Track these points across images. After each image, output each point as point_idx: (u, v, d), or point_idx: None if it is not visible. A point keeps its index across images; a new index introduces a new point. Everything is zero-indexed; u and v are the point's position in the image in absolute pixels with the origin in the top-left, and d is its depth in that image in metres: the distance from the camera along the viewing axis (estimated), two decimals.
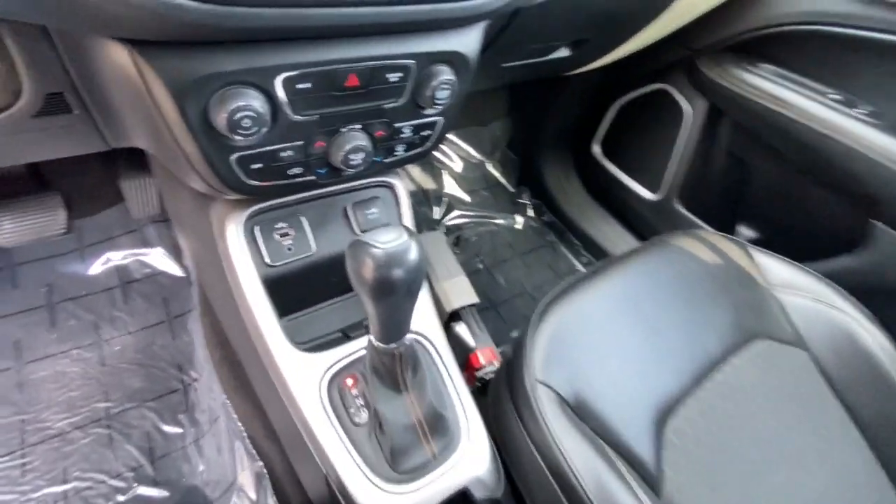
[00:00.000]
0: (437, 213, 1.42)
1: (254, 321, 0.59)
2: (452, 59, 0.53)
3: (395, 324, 0.47)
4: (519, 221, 1.48)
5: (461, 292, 1.02)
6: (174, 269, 1.10)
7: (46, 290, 1.01)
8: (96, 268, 1.06)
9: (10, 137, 0.48)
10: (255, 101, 0.43)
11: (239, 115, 0.42)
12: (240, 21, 0.37)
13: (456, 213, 1.43)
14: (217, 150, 0.47)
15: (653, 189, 1.22)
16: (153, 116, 0.45)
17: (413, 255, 0.42)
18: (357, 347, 0.61)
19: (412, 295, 0.45)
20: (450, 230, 1.39)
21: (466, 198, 1.49)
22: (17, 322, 0.97)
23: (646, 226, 1.27)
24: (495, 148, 1.57)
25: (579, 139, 1.39)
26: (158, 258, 1.10)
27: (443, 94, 0.54)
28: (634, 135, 1.24)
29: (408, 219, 0.72)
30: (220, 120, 0.43)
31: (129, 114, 0.50)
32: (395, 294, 0.43)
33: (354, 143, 0.53)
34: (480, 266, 1.32)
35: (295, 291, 0.64)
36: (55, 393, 0.90)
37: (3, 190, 0.89)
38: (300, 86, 0.45)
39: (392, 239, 0.42)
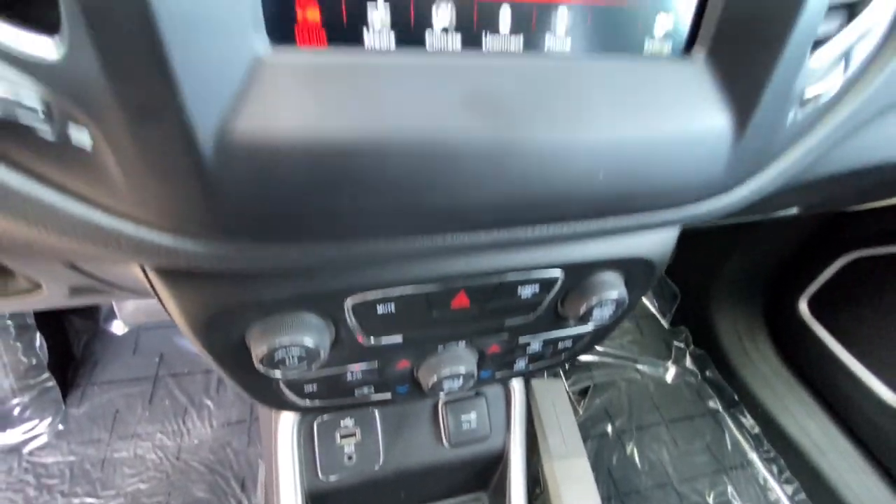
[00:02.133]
0: None
1: None
2: (629, 266, 0.33)
3: None
4: (671, 372, 1.14)
5: (577, 486, 0.74)
6: None
7: (158, 359, 1.03)
8: None
9: (66, 301, 0.41)
10: (306, 336, 0.28)
11: (280, 354, 0.28)
12: (274, 261, 0.22)
13: None
14: (256, 379, 0.33)
15: None
16: None
17: None
18: None
19: None
20: (575, 370, 1.12)
21: None
22: (124, 391, 0.99)
23: (882, 441, 0.85)
24: None
25: (777, 288, 1.03)
26: None
27: (603, 313, 0.34)
28: (872, 308, 0.85)
29: (519, 428, 0.51)
30: (258, 353, 0.28)
31: None
32: None
33: (454, 366, 0.35)
34: (609, 431, 1.02)
35: None
36: (128, 480, 0.87)
37: None
38: (381, 310, 0.30)
39: None
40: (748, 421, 1.06)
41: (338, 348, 0.32)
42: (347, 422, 0.47)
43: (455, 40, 0.20)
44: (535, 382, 0.91)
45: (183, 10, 0.15)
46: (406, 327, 0.32)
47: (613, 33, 0.22)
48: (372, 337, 0.32)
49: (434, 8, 0.19)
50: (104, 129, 0.17)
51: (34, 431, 0.90)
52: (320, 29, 0.18)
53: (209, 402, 0.98)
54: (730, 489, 0.96)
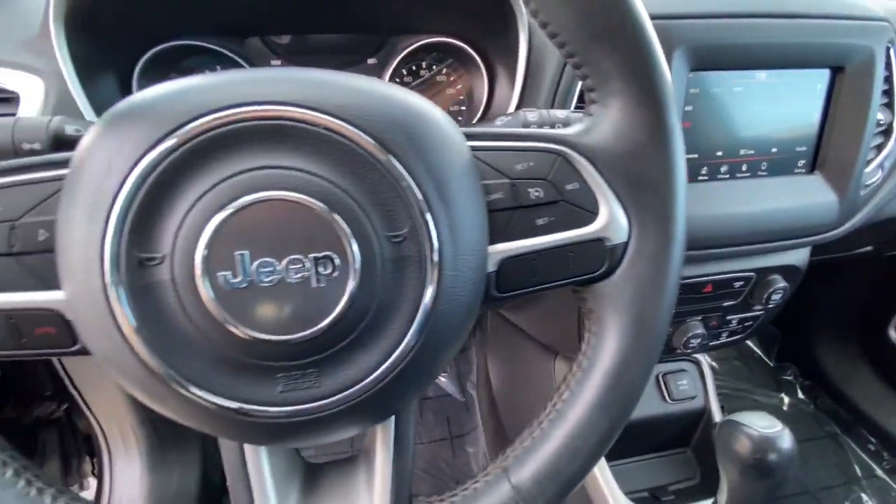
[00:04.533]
0: None
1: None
2: (787, 271, 0.65)
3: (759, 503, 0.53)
4: (786, 402, 1.34)
5: None
6: (456, 394, 1.34)
7: None
8: None
9: None
10: None
11: None
12: None
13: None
14: None
15: None
16: None
17: (788, 443, 0.50)
18: None
19: (778, 484, 0.51)
20: None
21: (713, 364, 1.44)
22: None
23: None
24: None
25: (868, 319, 1.26)
26: (444, 382, 1.37)
27: (776, 297, 0.65)
28: None
29: (713, 393, 0.79)
30: None
31: None
32: (766, 478, 0.50)
33: (695, 331, 0.66)
34: None
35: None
36: None
37: None
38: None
39: (767, 426, 0.51)
40: (868, 440, 1.22)
41: None
42: None
43: None
44: None
45: None
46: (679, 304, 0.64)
47: (782, 169, 0.57)
48: None
49: None
50: None
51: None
52: None
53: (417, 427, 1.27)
54: (864, 496, 1.11)
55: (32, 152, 0.33)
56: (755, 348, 1.49)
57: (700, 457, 0.79)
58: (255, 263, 0.23)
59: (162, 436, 0.84)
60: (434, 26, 0.60)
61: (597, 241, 0.29)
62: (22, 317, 0.24)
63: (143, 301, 0.23)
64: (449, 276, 0.25)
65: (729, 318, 0.68)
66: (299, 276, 0.23)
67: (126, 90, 0.53)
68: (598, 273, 0.30)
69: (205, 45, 0.56)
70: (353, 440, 0.97)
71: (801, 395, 1.35)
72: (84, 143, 0.24)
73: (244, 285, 0.23)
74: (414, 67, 0.67)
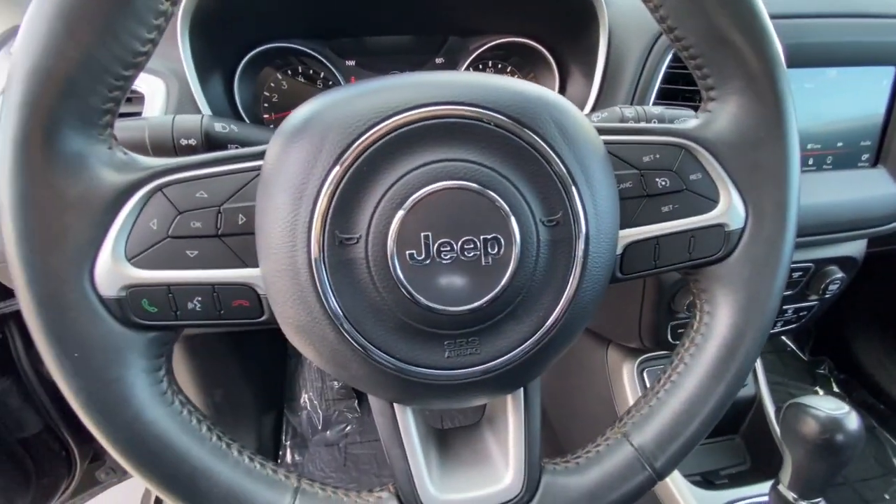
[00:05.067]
0: None
1: None
2: (845, 262, 0.67)
3: (822, 482, 0.56)
4: (821, 394, 1.35)
5: None
6: None
7: None
8: None
9: None
10: None
11: None
12: None
13: None
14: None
15: None
16: None
17: (855, 424, 0.52)
18: (747, 494, 0.69)
19: (842, 463, 0.53)
20: None
21: None
22: None
23: None
24: None
25: None
26: None
27: (833, 288, 0.67)
28: None
29: (764, 381, 0.81)
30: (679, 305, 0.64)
31: None
32: (832, 457, 0.52)
33: None
34: None
35: None
36: None
37: None
38: None
39: (835, 407, 0.53)
40: None
41: None
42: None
43: None
44: None
45: None
46: None
47: (846, 163, 0.59)
48: None
49: None
50: None
51: (345, 431, 1.27)
52: None
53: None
54: None
55: (189, 147, 0.37)
56: (789, 342, 1.50)
57: (750, 443, 0.82)
58: (437, 244, 0.26)
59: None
60: (507, 28, 0.63)
61: (716, 227, 0.32)
62: (223, 290, 0.28)
63: (339, 276, 0.26)
64: (591, 257, 0.28)
65: (785, 307, 0.70)
66: (472, 254, 0.27)
67: (228, 89, 0.57)
68: (715, 256, 0.33)
69: (297, 47, 0.60)
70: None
71: (836, 389, 1.36)
72: (282, 139, 0.27)
73: (427, 262, 0.26)
74: (480, 66, 0.70)
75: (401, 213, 0.26)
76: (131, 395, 0.26)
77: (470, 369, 0.28)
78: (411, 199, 0.26)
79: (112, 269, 0.26)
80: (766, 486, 0.62)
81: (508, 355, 0.29)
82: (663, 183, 0.31)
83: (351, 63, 0.68)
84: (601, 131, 0.31)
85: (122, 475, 1.06)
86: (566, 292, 0.28)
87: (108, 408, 0.26)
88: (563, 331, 0.29)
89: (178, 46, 0.47)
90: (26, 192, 0.24)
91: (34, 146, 0.24)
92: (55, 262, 0.25)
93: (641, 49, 0.51)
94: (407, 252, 0.26)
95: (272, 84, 0.65)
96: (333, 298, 0.26)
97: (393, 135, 0.26)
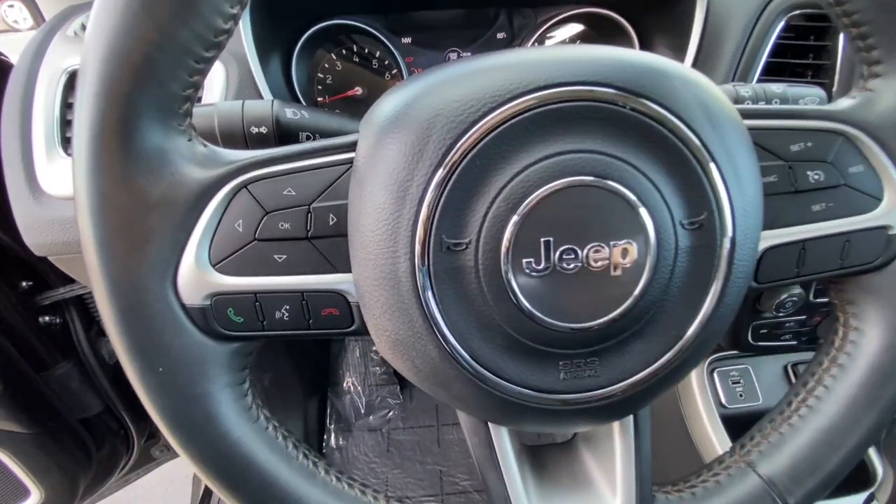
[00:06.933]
0: None
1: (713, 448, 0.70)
2: None
3: None
4: None
5: None
6: None
7: None
8: None
9: None
10: None
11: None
12: None
13: None
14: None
15: None
16: None
17: None
18: None
19: None
20: None
21: None
22: None
23: None
24: None
25: None
26: None
27: None
28: None
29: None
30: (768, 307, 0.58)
31: None
32: None
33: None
34: None
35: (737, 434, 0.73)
36: (460, 456, 1.18)
37: None
38: None
39: None
40: None
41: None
42: (734, 372, 0.74)
43: None
44: None
45: None
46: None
47: None
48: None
49: None
50: None
51: (388, 417, 1.27)
52: None
53: None
54: None
55: (260, 136, 0.34)
56: None
57: None
58: (559, 250, 0.22)
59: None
60: None
61: (878, 230, 0.27)
62: (313, 297, 0.25)
63: (445, 285, 0.23)
64: (736, 265, 0.24)
65: None
66: (599, 264, 0.23)
67: (286, 72, 0.54)
68: (871, 264, 0.28)
69: (354, 23, 0.56)
70: None
71: None
72: (378, 128, 0.24)
73: (546, 272, 0.23)
74: (546, 41, 0.65)
75: (518, 214, 0.22)
76: (218, 413, 0.24)
77: (586, 394, 0.25)
78: (530, 198, 0.22)
79: (196, 276, 0.23)
80: (851, 500, 0.57)
81: (631, 379, 0.25)
82: (816, 177, 0.26)
83: (407, 40, 0.64)
84: (744, 115, 0.26)
85: (175, 453, 1.11)
86: (704, 307, 0.24)
87: (195, 427, 0.24)
88: (695, 352, 0.25)
89: (238, 26, 0.44)
90: (105, 192, 0.21)
91: (112, 140, 0.21)
92: (138, 271, 0.22)
93: (748, 16, 0.45)
94: (523, 260, 0.22)
95: (326, 65, 0.62)
96: (438, 311, 0.23)
97: (510, 123, 0.22)
